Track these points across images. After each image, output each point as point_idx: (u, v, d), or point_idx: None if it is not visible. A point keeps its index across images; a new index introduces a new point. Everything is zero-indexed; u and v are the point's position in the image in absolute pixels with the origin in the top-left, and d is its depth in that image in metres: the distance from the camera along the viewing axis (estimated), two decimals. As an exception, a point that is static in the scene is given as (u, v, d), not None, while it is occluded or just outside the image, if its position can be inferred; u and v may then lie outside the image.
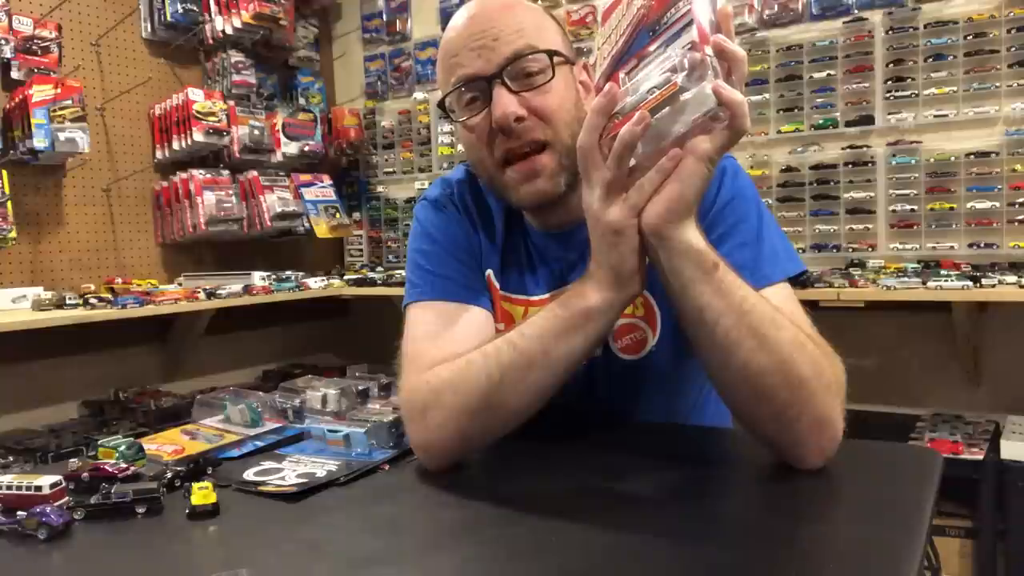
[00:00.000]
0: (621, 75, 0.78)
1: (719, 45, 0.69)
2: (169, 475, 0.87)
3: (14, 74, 2.43)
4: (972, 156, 2.33)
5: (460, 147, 3.25)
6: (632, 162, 0.75)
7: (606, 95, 0.74)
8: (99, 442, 0.97)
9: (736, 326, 0.77)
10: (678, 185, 0.74)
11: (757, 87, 2.63)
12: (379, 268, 3.39)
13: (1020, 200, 2.27)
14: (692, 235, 0.77)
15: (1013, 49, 2.27)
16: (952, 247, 2.37)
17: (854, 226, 2.51)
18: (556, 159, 0.97)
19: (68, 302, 2.26)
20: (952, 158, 2.36)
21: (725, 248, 0.92)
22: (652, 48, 0.74)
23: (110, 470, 0.84)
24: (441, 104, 1.02)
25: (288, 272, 2.94)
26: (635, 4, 0.77)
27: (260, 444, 1.03)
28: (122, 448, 0.93)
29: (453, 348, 0.92)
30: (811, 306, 0.94)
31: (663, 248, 0.77)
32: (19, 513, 0.76)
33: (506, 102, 0.95)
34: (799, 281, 2.09)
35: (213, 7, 2.91)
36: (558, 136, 0.97)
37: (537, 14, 1.02)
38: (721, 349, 0.79)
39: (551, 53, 0.97)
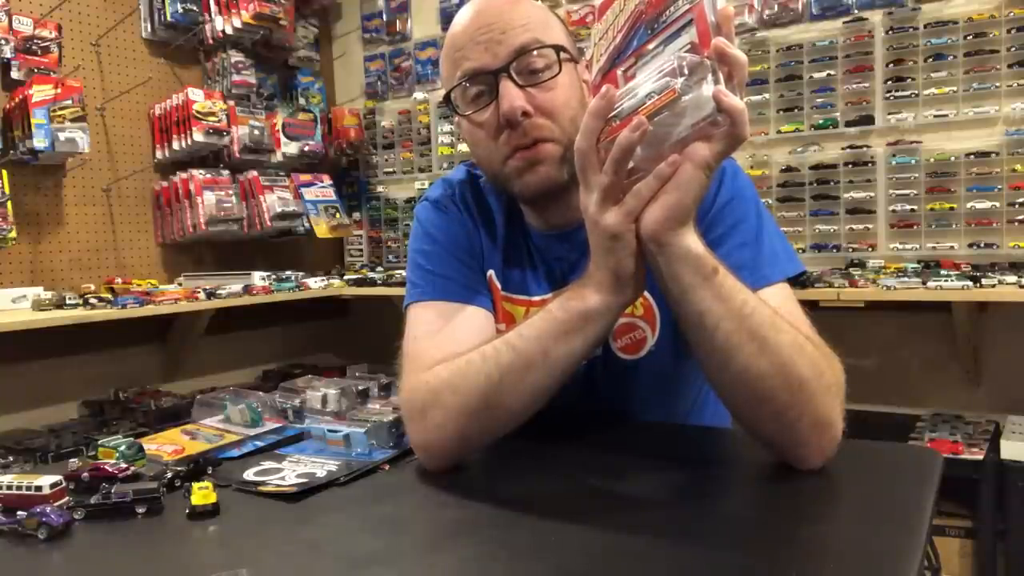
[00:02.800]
0: (618, 73, 0.77)
1: (719, 48, 0.68)
2: (169, 475, 0.87)
3: (14, 74, 2.43)
4: (972, 156, 2.33)
5: (460, 147, 3.25)
6: (631, 164, 0.74)
7: (603, 97, 0.73)
8: (99, 442, 0.97)
9: (736, 330, 0.77)
10: (676, 192, 0.73)
11: (757, 87, 2.63)
12: (379, 268, 3.39)
13: (1020, 200, 2.27)
14: (691, 241, 0.76)
15: (1013, 49, 2.27)
16: (952, 247, 2.37)
17: (854, 226, 2.51)
18: (560, 150, 0.97)
19: (68, 302, 2.26)
20: (952, 158, 2.36)
21: (724, 248, 0.92)
22: (651, 46, 0.73)
23: (110, 470, 0.84)
24: (446, 98, 1.02)
25: (288, 272, 2.94)
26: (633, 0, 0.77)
27: (260, 444, 1.03)
28: (122, 448, 0.93)
29: (453, 348, 0.92)
30: (811, 306, 0.94)
31: (662, 254, 0.76)
32: (19, 513, 0.75)
33: (513, 96, 0.95)
34: (799, 281, 2.09)
35: (213, 7, 2.91)
36: (563, 132, 0.97)
37: (542, 10, 1.02)
38: (721, 353, 0.78)
39: (557, 48, 0.97)
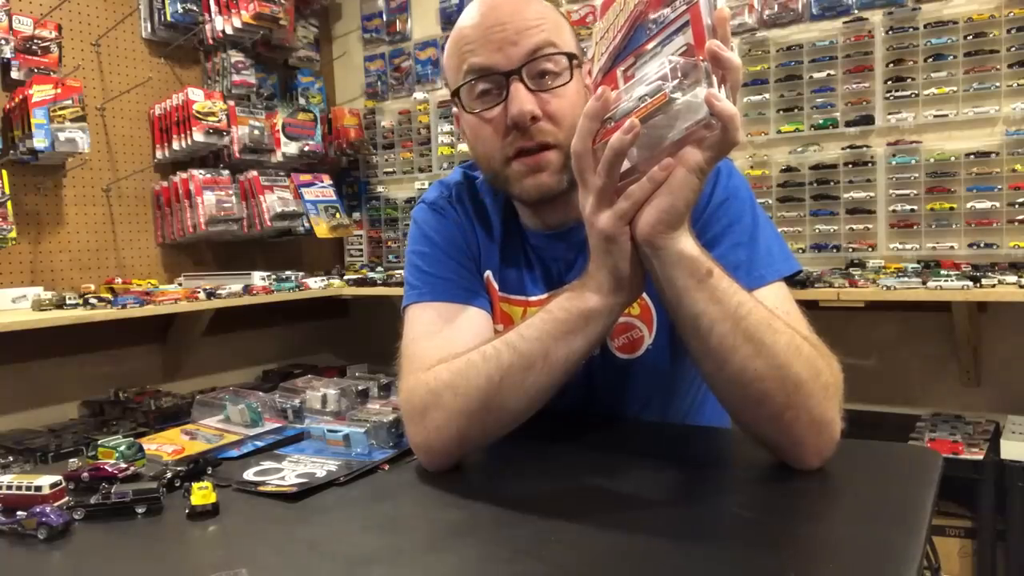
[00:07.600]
0: (618, 72, 0.77)
1: (713, 51, 0.67)
2: (169, 475, 0.88)
3: (14, 74, 2.44)
4: (972, 156, 2.33)
5: (460, 147, 3.25)
6: (628, 165, 0.74)
7: (598, 99, 0.73)
8: (99, 442, 0.97)
9: (732, 332, 0.77)
10: (669, 196, 0.73)
11: (757, 87, 2.63)
12: (379, 268, 3.39)
13: (1020, 200, 2.27)
14: (685, 243, 0.76)
15: (1013, 49, 2.27)
16: (952, 247, 2.37)
17: (854, 226, 2.51)
18: (561, 157, 0.96)
19: (68, 302, 2.27)
20: (952, 158, 2.36)
21: (720, 249, 0.92)
22: (650, 46, 0.73)
23: (110, 470, 0.84)
24: (454, 94, 1.01)
25: (288, 272, 2.94)
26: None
27: (260, 444, 1.03)
28: (122, 448, 0.93)
29: (452, 349, 0.92)
30: (811, 306, 0.94)
31: (656, 257, 0.76)
32: (19, 513, 0.76)
33: (523, 99, 0.94)
34: (798, 281, 2.09)
35: (213, 7, 2.91)
36: (568, 139, 0.96)
37: (554, 11, 1.02)
38: (717, 355, 0.78)
39: (571, 56, 0.97)
